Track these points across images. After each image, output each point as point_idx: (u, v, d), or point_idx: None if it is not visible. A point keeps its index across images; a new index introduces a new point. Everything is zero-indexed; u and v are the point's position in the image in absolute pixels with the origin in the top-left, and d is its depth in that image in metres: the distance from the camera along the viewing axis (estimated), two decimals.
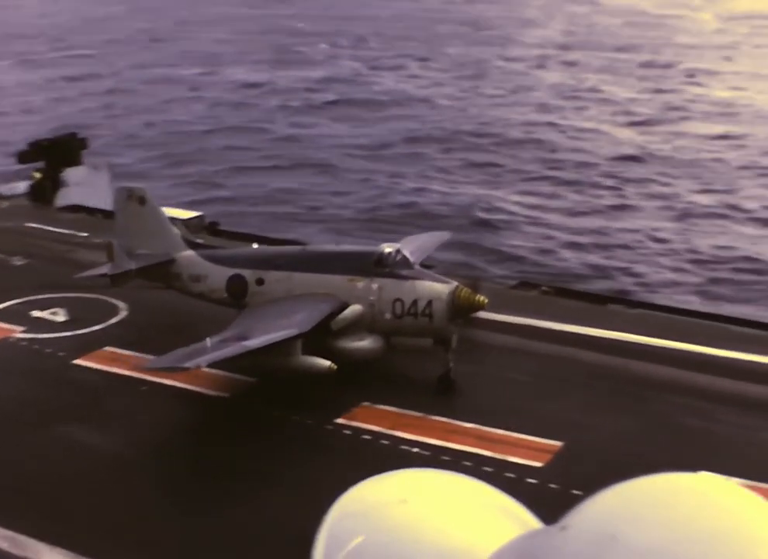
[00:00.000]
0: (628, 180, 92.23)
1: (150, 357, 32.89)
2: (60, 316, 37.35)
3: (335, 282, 31.72)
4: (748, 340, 34.81)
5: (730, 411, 29.49)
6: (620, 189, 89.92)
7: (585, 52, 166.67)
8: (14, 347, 34.70)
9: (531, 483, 24.89)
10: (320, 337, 30.37)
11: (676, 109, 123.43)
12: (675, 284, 67.14)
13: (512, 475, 25.12)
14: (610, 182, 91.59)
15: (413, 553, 5.76)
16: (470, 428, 28.33)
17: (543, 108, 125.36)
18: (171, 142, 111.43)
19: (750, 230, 78.27)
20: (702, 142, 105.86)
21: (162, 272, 35.58)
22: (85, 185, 57.09)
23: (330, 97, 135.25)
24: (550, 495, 24.17)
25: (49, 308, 37.98)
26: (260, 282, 33.36)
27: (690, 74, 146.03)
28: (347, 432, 28.36)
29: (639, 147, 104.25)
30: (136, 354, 33.21)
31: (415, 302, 30.38)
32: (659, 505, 4.42)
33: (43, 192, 56.61)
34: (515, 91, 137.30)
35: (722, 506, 4.40)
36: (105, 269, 35.59)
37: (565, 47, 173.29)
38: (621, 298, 43.01)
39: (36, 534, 23.39)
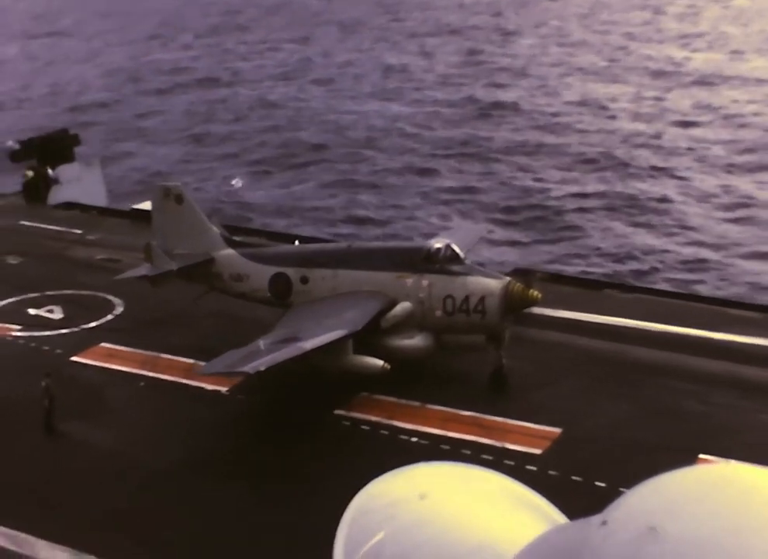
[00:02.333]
0: None
1: (147, 352, 33.05)
2: (57, 313, 37.35)
3: (383, 279, 30.88)
4: (745, 322, 34.81)
5: (727, 394, 29.52)
6: None
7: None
8: (11, 345, 34.72)
9: (530, 470, 24.91)
10: (368, 335, 29.59)
11: None
12: None
13: (511, 462, 25.16)
14: None
15: (435, 549, 5.71)
16: (468, 416, 28.36)
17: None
18: None
19: None
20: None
21: (202, 272, 34.39)
22: (78, 182, 57.01)
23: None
24: (550, 482, 24.18)
25: (45, 306, 37.98)
26: (304, 280, 32.37)
27: None
28: (346, 423, 28.39)
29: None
30: (132, 349, 33.26)
31: (467, 298, 29.60)
32: (701, 497, 4.37)
33: (36, 191, 56.50)
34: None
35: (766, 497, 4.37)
36: (144, 270, 34.39)
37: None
38: (616, 283, 42.99)
39: (34, 531, 23.47)
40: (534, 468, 25.03)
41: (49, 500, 25.10)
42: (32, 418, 28.60)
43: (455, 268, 30.17)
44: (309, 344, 27.69)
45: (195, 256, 34.37)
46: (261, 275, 33.36)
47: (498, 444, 26.81)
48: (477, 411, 28.51)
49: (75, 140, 61.16)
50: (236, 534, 23.17)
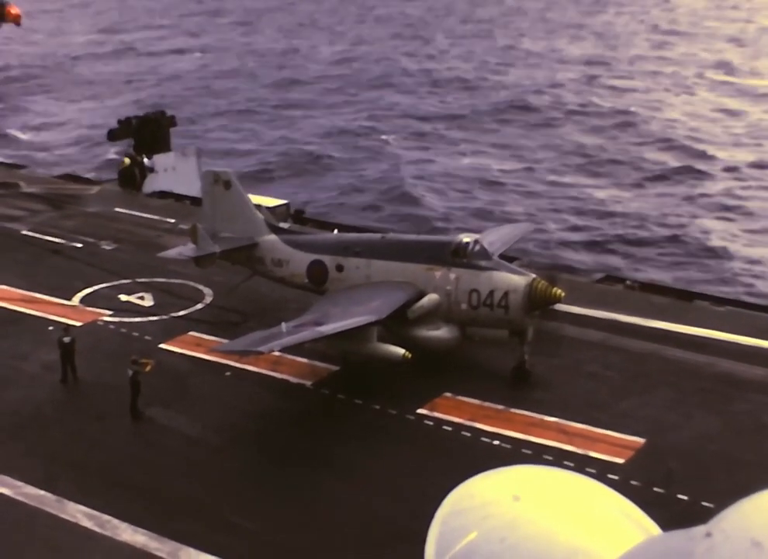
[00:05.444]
0: None
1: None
2: (147, 300, 37.88)
3: (413, 270, 31.80)
4: None
5: None
6: None
7: None
8: (102, 330, 35.27)
9: (612, 479, 24.59)
10: (396, 325, 30.53)
11: None
12: None
13: (593, 471, 24.85)
14: None
15: (529, 551, 5.68)
16: (551, 421, 28.16)
17: None
18: None
19: None
20: None
21: (245, 255, 36.09)
22: (174, 172, 57.68)
23: None
24: (631, 493, 23.70)
25: (136, 293, 38.52)
26: (340, 268, 33.55)
27: None
28: (429, 422, 28.35)
29: None
30: (220, 339, 33.49)
31: (491, 293, 30.30)
32: None
33: (132, 178, 57.27)
34: None
35: None
36: (188, 251, 36.23)
37: None
38: (708, 294, 42.23)
39: (117, 513, 23.84)
40: (616, 477, 24.68)
41: (132, 484, 25.50)
42: (120, 403, 29.06)
43: (482, 263, 31.04)
44: (326, 329, 28.84)
45: (239, 240, 36.11)
46: (299, 261, 34.84)
47: (581, 451, 26.57)
48: (561, 418, 28.31)
49: (171, 122, 61.91)
50: (319, 527, 23.33)
